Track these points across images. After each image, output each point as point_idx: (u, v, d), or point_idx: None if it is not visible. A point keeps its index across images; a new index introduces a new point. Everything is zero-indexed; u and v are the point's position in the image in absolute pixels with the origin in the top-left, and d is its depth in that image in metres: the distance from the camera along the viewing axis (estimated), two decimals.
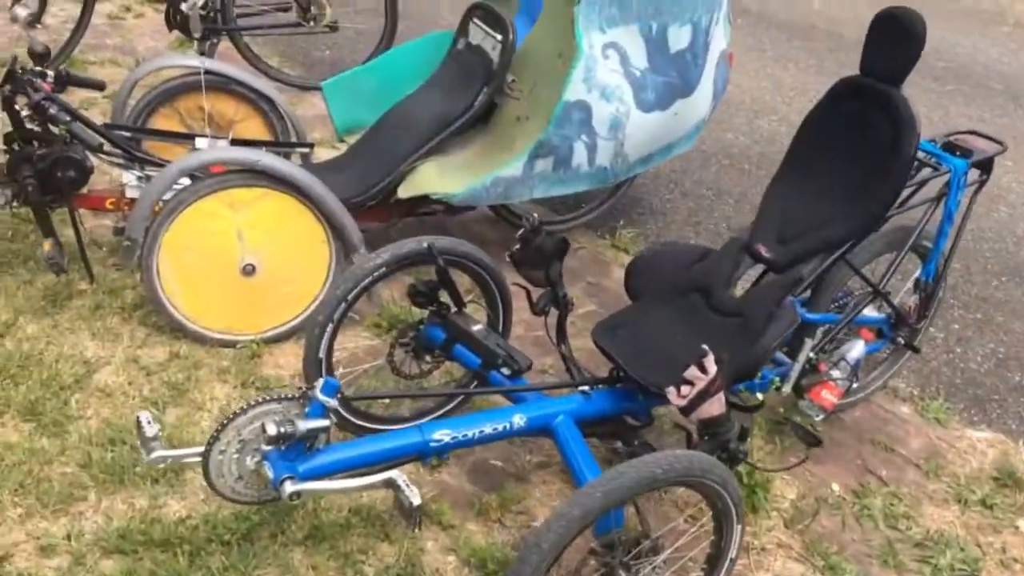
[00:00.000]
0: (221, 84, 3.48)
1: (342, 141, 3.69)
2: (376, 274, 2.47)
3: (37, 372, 2.77)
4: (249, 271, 2.92)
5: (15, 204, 2.99)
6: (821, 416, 2.59)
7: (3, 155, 2.97)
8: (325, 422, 1.94)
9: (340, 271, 3.04)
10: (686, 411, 2.01)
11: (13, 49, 5.03)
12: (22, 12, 4.50)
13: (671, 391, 2.01)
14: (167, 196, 2.85)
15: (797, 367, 2.54)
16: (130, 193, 3.10)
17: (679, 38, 3.31)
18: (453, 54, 3.55)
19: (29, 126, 2.95)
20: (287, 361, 2.99)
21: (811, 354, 2.55)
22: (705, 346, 1.98)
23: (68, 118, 2.82)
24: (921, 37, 2.28)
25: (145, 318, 3.06)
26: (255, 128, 3.61)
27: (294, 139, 3.63)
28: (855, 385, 2.68)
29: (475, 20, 3.46)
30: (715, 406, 1.99)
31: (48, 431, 2.57)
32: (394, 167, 3.29)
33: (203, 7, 4.61)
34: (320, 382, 1.96)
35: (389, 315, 3.19)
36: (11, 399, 2.65)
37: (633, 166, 3.48)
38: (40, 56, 3.00)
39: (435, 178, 3.27)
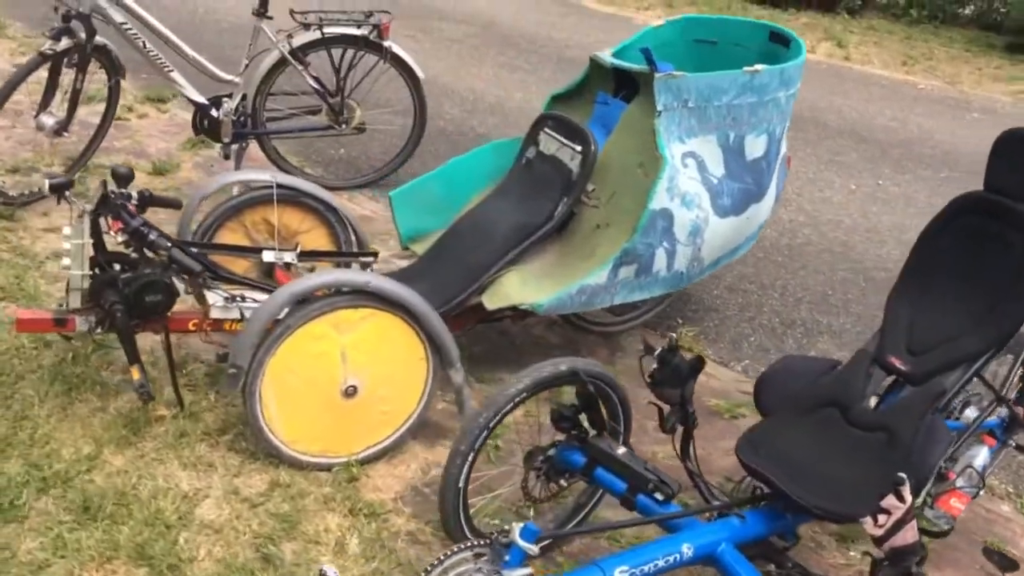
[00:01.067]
0: (290, 197, 3.42)
1: (406, 249, 3.65)
2: (517, 400, 2.42)
3: (137, 510, 2.62)
4: (351, 392, 2.84)
5: (99, 330, 2.87)
6: (950, 526, 2.59)
7: (87, 280, 2.85)
8: (528, 570, 1.87)
9: (436, 387, 2.99)
10: (881, 540, 2.00)
11: (20, 153, 4.90)
12: (49, 120, 4.40)
13: (867, 521, 2.00)
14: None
15: (932, 477, 2.54)
16: (215, 314, 3.00)
17: (755, 147, 3.39)
18: (523, 163, 3.56)
19: (113, 250, 2.86)
20: (384, 483, 2.90)
21: (941, 463, 2.57)
22: (902, 474, 1.97)
23: (168, 244, 2.74)
24: None
25: (233, 443, 2.94)
26: (318, 238, 3.56)
27: (355, 247, 3.58)
28: (981, 492, 2.70)
29: (547, 130, 3.49)
30: (910, 534, 1.98)
31: None
32: (475, 278, 3.26)
33: (234, 112, 4.58)
34: (517, 527, 1.89)
35: None
36: (117, 542, 2.50)
37: (705, 269, 3.52)
38: (123, 178, 2.91)
39: (519, 288, 3.25)
